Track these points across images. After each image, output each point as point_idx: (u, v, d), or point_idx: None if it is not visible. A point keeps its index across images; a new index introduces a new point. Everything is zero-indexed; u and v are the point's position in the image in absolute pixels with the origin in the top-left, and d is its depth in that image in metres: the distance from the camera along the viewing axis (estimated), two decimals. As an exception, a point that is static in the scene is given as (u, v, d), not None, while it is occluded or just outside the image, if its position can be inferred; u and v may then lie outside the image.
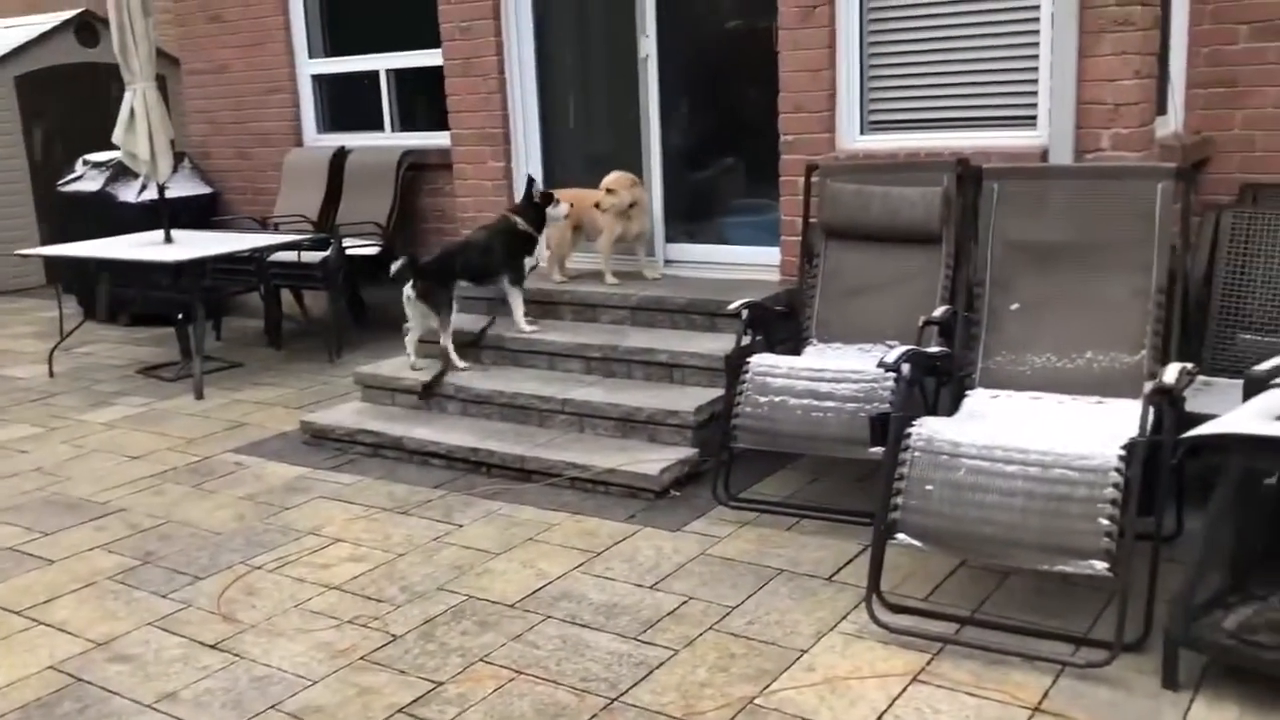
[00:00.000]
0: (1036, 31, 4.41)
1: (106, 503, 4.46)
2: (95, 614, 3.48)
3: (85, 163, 8.01)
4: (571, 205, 5.29)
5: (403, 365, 5.32)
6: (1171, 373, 2.98)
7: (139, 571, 3.78)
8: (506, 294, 5.21)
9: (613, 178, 5.27)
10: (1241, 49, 4.74)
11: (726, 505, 4.05)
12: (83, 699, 2.95)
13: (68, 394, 6.21)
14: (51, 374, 6.62)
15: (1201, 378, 3.80)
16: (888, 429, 3.14)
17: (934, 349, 3.57)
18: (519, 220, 5.19)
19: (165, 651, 3.21)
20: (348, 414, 5.13)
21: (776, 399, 3.87)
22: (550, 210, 5.23)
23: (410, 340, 5.21)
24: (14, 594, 3.65)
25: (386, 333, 6.88)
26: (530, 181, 5.27)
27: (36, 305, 8.89)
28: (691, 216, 5.69)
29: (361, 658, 3.10)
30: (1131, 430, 3.00)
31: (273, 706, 2.86)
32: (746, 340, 4.11)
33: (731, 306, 4.19)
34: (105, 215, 7.57)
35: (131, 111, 6.27)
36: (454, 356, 5.10)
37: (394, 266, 4.98)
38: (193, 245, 6.26)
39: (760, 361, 3.98)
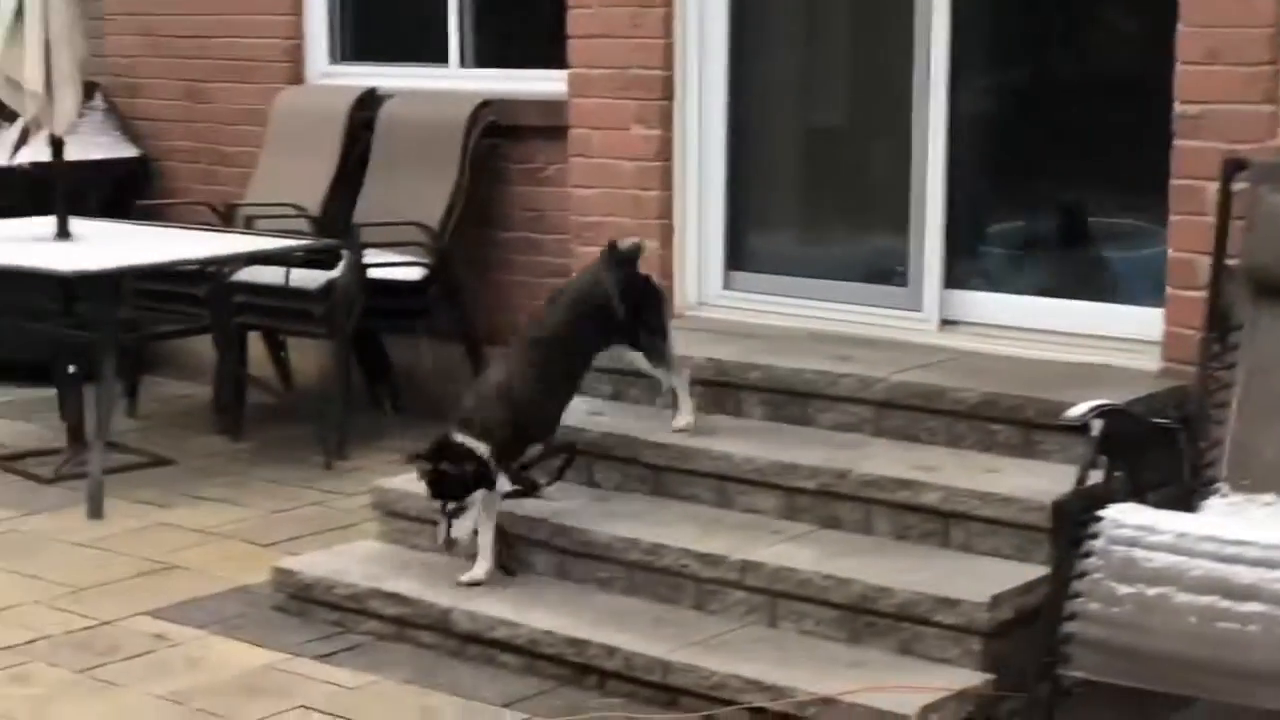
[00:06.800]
0: None
1: (-70, 690, 4.54)
2: None
3: (-71, 96, 8.37)
4: None
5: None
6: None
7: (-21, 822, 3.85)
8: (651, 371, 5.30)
9: None
10: None
11: (1045, 784, 3.96)
12: None
13: None
14: None
15: None
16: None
17: None
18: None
19: None
20: (356, 560, 5.17)
21: (1151, 591, 3.78)
22: None
23: None
24: None
25: (424, 417, 6.97)
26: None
27: None
28: (993, 241, 5.70)
29: None
30: None
31: None
32: (1097, 477, 4.07)
33: (1071, 413, 4.14)
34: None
35: (18, 10, 6.49)
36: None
37: None
38: (103, 246, 6.42)
39: (1123, 519, 3.91)
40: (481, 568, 4.97)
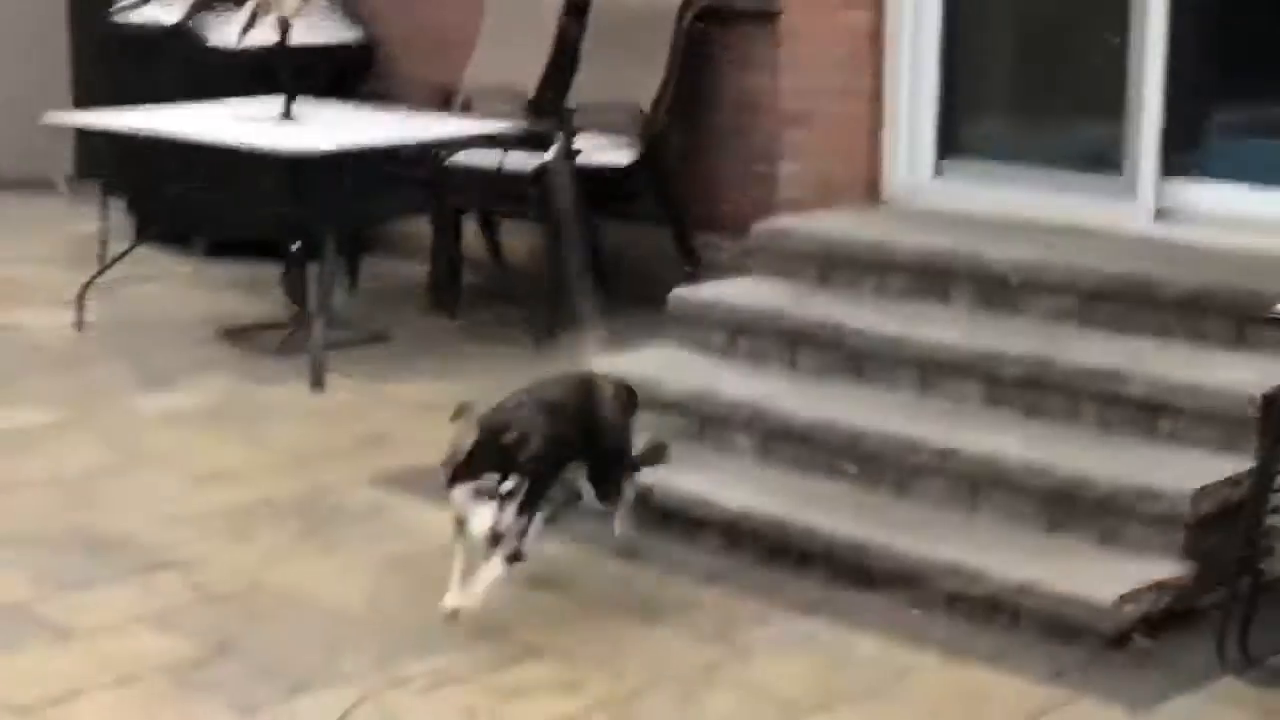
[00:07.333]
0: None
1: (161, 548, 4.74)
2: (135, 730, 3.73)
3: (160, -23, 8.50)
4: None
5: (662, 361, 5.47)
6: None
7: (208, 668, 4.00)
8: None
9: None
10: None
11: (1242, 677, 3.96)
12: None
13: (105, 362, 6.65)
14: (80, 326, 7.10)
15: None
16: None
17: None
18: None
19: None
20: (561, 437, 5.29)
21: (1358, 487, 3.75)
22: None
23: None
24: (15, 684, 3.91)
25: (635, 302, 7.05)
26: None
27: (65, 213, 9.44)
28: (1213, 129, 5.62)
29: None
30: None
31: None
32: (1308, 371, 4.02)
33: (1280, 307, 4.10)
34: (185, 67, 8.08)
35: (247, -105, 6.68)
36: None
37: None
38: (327, 129, 6.56)
39: (1332, 413, 3.86)
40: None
